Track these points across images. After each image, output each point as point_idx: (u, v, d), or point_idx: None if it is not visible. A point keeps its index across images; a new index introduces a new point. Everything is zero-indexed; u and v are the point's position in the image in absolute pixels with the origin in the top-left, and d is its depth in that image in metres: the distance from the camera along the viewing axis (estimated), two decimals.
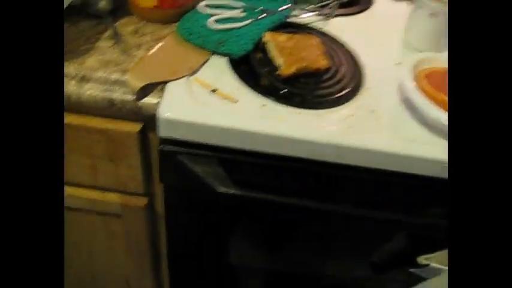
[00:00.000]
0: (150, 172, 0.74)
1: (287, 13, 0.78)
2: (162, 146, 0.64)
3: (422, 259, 0.66)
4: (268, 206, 0.66)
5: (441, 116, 0.61)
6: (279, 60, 0.66)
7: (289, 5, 0.79)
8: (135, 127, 0.67)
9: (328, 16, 0.81)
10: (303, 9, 0.81)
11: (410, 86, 0.65)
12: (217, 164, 0.64)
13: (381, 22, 0.86)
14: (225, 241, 0.79)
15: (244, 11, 0.74)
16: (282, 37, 0.70)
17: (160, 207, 0.78)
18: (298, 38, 0.70)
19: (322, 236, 0.77)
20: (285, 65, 0.65)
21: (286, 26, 0.76)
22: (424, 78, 0.66)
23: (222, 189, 0.63)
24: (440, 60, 0.72)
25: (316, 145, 0.60)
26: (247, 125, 0.60)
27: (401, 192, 0.66)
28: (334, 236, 0.77)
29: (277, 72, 0.65)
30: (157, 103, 0.62)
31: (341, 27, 0.81)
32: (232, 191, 0.63)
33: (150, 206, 0.78)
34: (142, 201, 0.76)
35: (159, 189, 0.76)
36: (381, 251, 0.75)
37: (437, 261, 0.65)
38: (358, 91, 0.68)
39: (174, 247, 0.79)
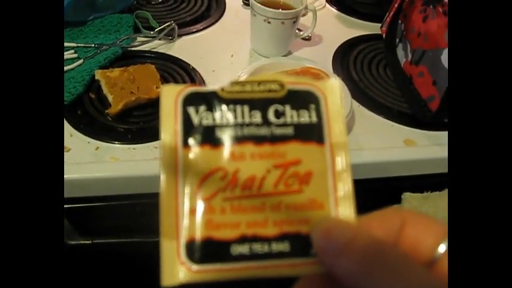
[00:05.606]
0: None
1: (127, 43, 0.77)
2: None
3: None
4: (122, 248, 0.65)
5: None
6: (109, 98, 0.65)
7: (128, 35, 0.77)
8: None
9: (172, 39, 0.80)
10: (145, 36, 0.80)
11: None
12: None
13: (229, 33, 0.86)
14: None
15: (75, 52, 0.72)
16: (114, 72, 0.68)
17: None
18: (131, 70, 0.69)
19: None
20: (113, 103, 0.63)
21: (124, 58, 0.75)
22: None
23: (72, 242, 0.61)
24: (282, 63, 0.73)
25: (153, 178, 0.59)
26: (80, 173, 0.58)
27: None
28: None
29: (106, 111, 0.63)
30: None
31: (186, 47, 0.80)
32: (81, 241, 0.61)
33: None
34: None
35: None
36: None
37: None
38: None
39: None
